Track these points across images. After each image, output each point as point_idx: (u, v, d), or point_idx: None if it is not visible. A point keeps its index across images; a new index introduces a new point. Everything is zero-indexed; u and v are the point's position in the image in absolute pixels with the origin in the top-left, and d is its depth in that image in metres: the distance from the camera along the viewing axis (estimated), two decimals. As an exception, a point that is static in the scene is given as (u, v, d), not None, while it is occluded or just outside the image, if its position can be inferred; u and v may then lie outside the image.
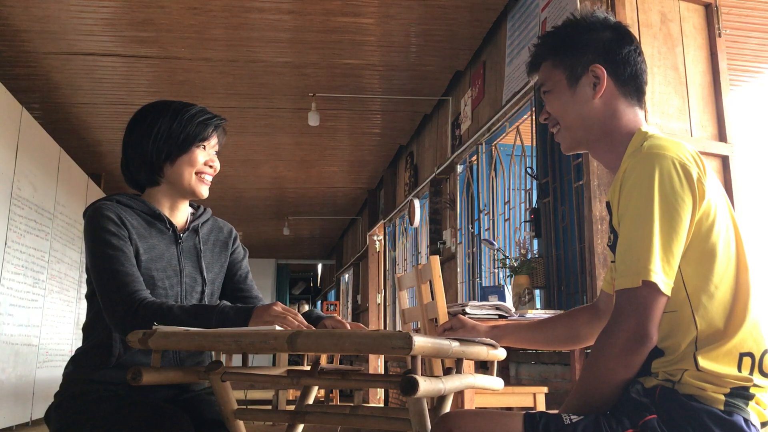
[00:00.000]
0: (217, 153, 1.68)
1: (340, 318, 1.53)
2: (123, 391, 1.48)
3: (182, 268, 1.60)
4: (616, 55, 1.29)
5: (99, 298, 1.46)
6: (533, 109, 4.12)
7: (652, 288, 1.09)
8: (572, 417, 1.09)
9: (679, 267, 1.13)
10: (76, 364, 1.54)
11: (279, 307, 1.40)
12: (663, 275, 1.09)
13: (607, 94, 1.29)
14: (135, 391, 1.47)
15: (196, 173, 1.61)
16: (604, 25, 1.32)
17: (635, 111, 1.31)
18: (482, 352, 1.34)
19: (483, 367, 3.24)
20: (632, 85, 1.30)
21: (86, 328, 1.58)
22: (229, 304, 1.47)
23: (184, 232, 1.64)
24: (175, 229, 1.62)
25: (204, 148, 1.62)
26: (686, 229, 1.12)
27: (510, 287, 3.55)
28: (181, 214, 1.66)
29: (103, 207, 1.53)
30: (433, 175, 6.11)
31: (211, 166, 1.64)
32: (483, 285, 4.97)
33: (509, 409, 3.00)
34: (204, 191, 1.64)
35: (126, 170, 1.64)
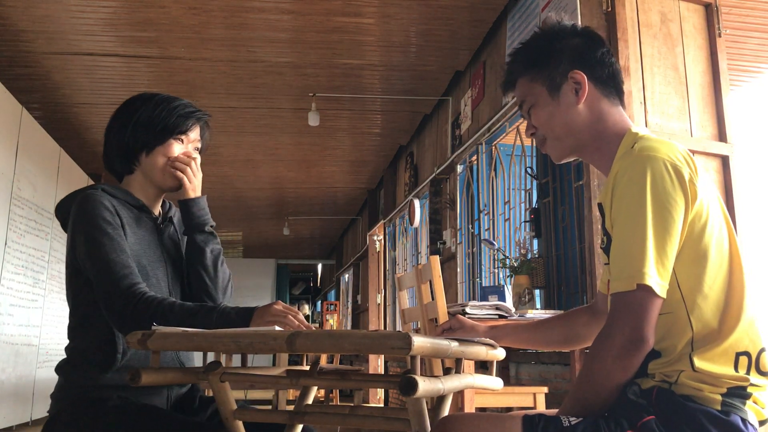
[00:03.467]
0: (201, 150, 1.66)
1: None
2: (135, 398, 1.44)
3: (166, 259, 1.59)
4: (591, 58, 1.30)
5: (96, 290, 1.43)
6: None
7: (647, 291, 1.09)
8: (571, 419, 1.09)
9: (674, 268, 1.13)
10: (76, 366, 1.48)
11: (279, 305, 1.39)
12: (657, 277, 1.09)
13: (590, 97, 1.29)
14: (144, 395, 1.46)
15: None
16: (573, 33, 1.33)
17: (620, 111, 1.32)
18: (481, 352, 1.34)
19: (483, 367, 3.24)
20: (612, 85, 1.31)
21: (77, 328, 1.52)
22: (229, 305, 1.46)
23: (162, 223, 1.64)
24: (156, 220, 1.62)
25: (182, 142, 1.60)
26: (679, 231, 1.12)
27: (510, 287, 3.55)
28: (157, 206, 1.66)
29: (95, 194, 1.50)
30: (433, 175, 6.11)
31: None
32: (483, 285, 4.97)
33: (509, 409, 3.00)
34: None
35: (105, 157, 1.63)
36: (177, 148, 1.59)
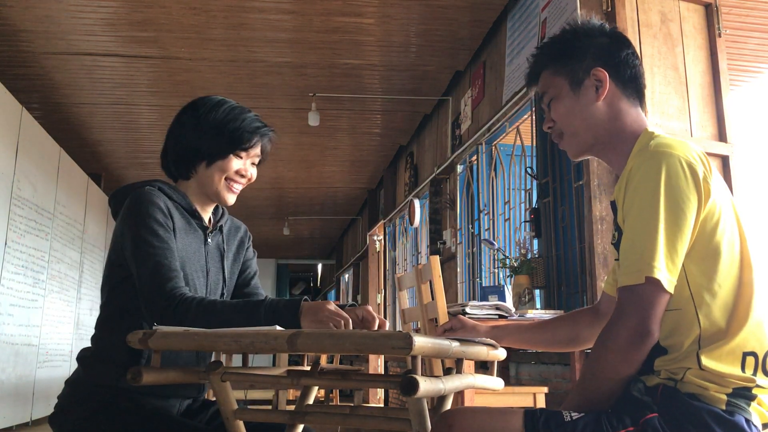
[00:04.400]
0: (260, 162, 1.65)
1: (370, 309, 1.45)
2: (151, 404, 1.44)
3: (208, 269, 1.58)
4: (616, 58, 1.31)
5: (139, 288, 1.41)
6: (533, 109, 4.12)
7: (656, 285, 1.09)
8: (573, 414, 1.09)
9: (683, 265, 1.13)
10: (98, 361, 1.47)
11: (332, 306, 1.34)
12: (666, 272, 1.10)
13: (610, 95, 1.30)
14: (158, 398, 1.45)
15: (226, 179, 1.58)
16: (600, 32, 1.35)
17: (638, 111, 1.33)
18: (482, 352, 1.34)
19: (483, 367, 3.24)
20: (633, 86, 1.32)
21: (107, 321, 1.50)
22: (272, 298, 1.42)
23: (211, 232, 1.62)
24: (206, 229, 1.60)
25: (241, 157, 1.58)
26: (691, 228, 1.13)
27: (510, 287, 3.55)
28: (207, 213, 1.65)
29: (152, 193, 1.48)
30: (433, 175, 6.11)
31: (243, 176, 1.60)
32: (483, 285, 4.97)
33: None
34: (230, 199, 1.61)
35: (164, 158, 1.62)
36: (236, 164, 1.57)
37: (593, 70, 1.30)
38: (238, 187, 1.61)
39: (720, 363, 1.10)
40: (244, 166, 1.60)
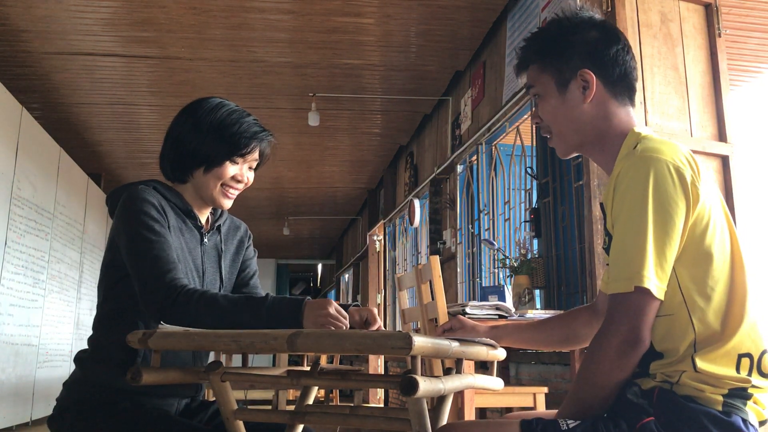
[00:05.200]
0: (258, 166, 1.64)
1: (374, 311, 1.47)
2: (149, 404, 1.44)
3: (204, 269, 1.57)
4: (604, 56, 1.27)
5: (136, 283, 1.40)
6: (533, 109, 4.11)
7: (645, 293, 1.09)
8: (569, 422, 1.09)
9: (675, 270, 1.13)
10: (96, 361, 1.47)
11: (333, 308, 1.34)
12: (656, 280, 1.09)
13: (597, 97, 1.27)
14: (156, 398, 1.46)
15: (222, 185, 1.57)
16: (590, 25, 1.30)
17: (627, 110, 1.30)
18: (482, 352, 1.34)
19: (483, 367, 3.24)
20: (622, 84, 1.29)
21: (103, 320, 1.50)
22: (274, 296, 1.41)
23: (208, 232, 1.62)
24: (202, 229, 1.60)
25: (238, 163, 1.57)
26: (680, 233, 1.12)
27: (510, 287, 3.55)
28: (204, 214, 1.65)
29: (145, 191, 1.48)
30: (433, 175, 6.11)
31: (239, 181, 1.59)
32: (483, 285, 4.97)
33: (509, 409, 3.00)
34: (226, 204, 1.60)
35: (162, 160, 1.61)
36: (231, 170, 1.56)
37: (580, 72, 1.27)
38: (234, 192, 1.60)
39: (715, 365, 1.10)
40: (241, 171, 1.59)
